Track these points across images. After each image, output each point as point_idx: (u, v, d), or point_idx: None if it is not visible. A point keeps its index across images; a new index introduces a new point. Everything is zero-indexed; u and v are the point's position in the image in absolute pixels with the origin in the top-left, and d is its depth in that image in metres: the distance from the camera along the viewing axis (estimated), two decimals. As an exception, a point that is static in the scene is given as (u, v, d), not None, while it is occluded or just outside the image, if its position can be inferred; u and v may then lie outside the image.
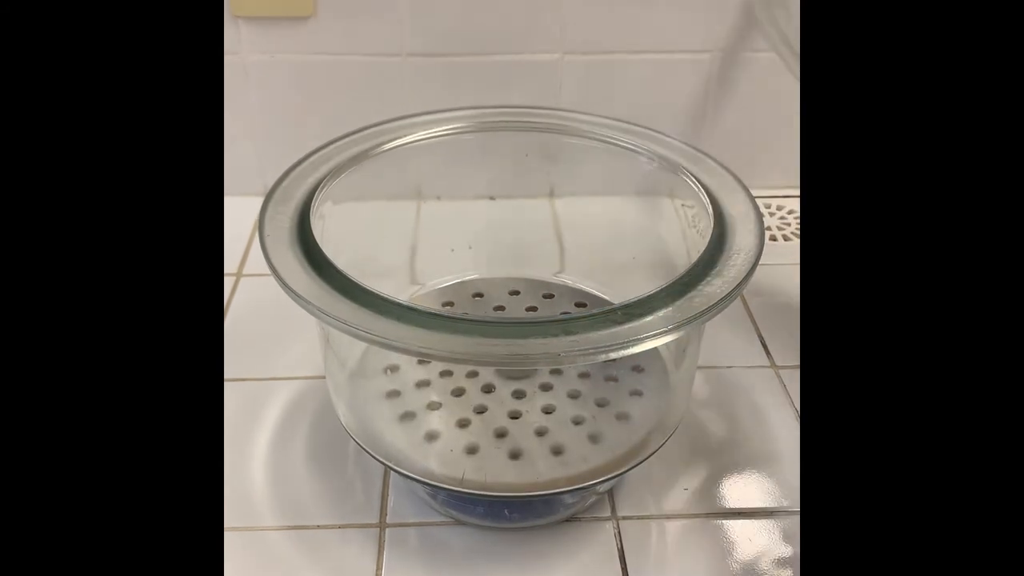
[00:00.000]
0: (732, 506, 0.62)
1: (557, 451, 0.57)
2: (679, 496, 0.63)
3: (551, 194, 0.81)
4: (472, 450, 0.57)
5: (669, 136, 0.65)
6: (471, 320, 0.46)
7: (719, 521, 0.61)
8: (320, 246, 0.52)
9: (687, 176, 0.60)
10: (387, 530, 0.59)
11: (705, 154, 0.63)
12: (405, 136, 0.64)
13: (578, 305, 0.70)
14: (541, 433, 0.58)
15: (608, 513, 0.61)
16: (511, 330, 0.46)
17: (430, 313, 0.47)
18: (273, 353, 0.74)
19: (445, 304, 0.70)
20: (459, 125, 0.66)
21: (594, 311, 0.47)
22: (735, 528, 0.60)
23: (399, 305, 0.47)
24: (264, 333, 0.76)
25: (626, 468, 0.56)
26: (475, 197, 0.76)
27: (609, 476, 0.55)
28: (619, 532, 0.59)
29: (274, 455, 0.65)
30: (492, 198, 0.79)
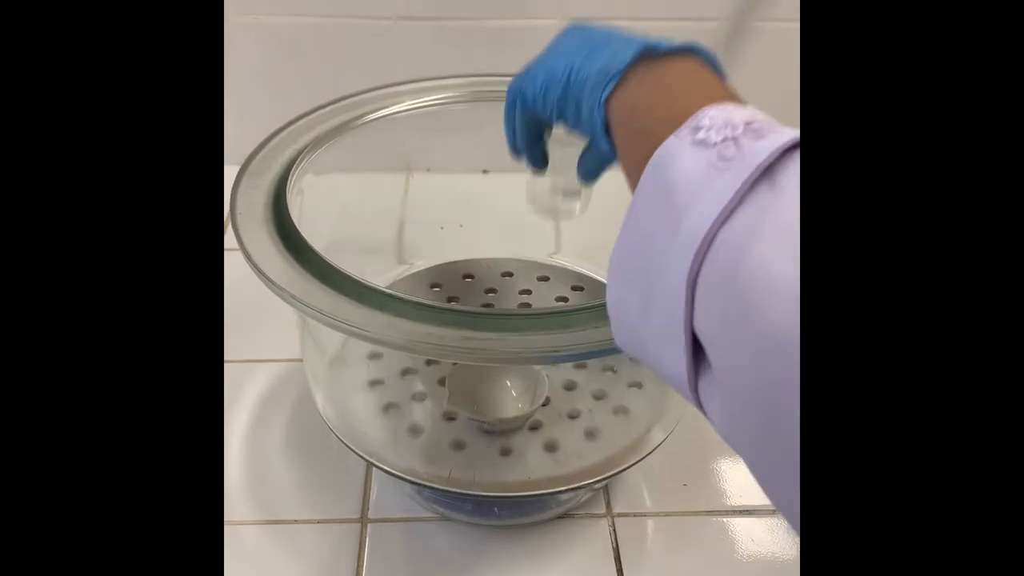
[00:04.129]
0: (734, 503, 0.58)
1: (551, 447, 0.53)
2: (678, 492, 0.59)
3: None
4: (459, 445, 0.53)
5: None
6: (460, 311, 0.43)
7: (720, 519, 0.58)
8: (297, 226, 0.48)
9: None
10: (369, 526, 0.56)
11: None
12: (392, 106, 0.60)
13: (575, 289, 0.66)
14: (534, 428, 0.55)
15: (603, 510, 0.58)
16: (504, 323, 0.42)
17: (415, 303, 0.43)
18: (251, 334, 0.70)
19: (433, 286, 0.66)
20: (450, 95, 0.62)
21: (595, 303, 0.43)
22: (737, 526, 0.57)
23: (381, 293, 0.43)
24: (242, 312, 0.72)
25: (624, 467, 0.52)
26: (467, 171, 0.72)
27: (605, 475, 0.52)
28: (614, 530, 0.56)
29: (250, 444, 0.61)
30: (485, 171, 0.75)
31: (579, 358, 0.42)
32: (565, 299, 0.65)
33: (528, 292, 0.65)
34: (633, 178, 0.35)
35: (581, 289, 0.66)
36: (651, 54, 0.37)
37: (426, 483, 0.51)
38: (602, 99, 0.38)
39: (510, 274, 0.67)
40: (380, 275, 0.67)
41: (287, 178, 0.51)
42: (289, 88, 0.87)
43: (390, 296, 0.43)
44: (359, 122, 0.58)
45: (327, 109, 0.59)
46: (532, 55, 0.86)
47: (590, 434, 0.54)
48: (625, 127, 0.37)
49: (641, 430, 0.54)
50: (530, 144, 0.48)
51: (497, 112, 0.65)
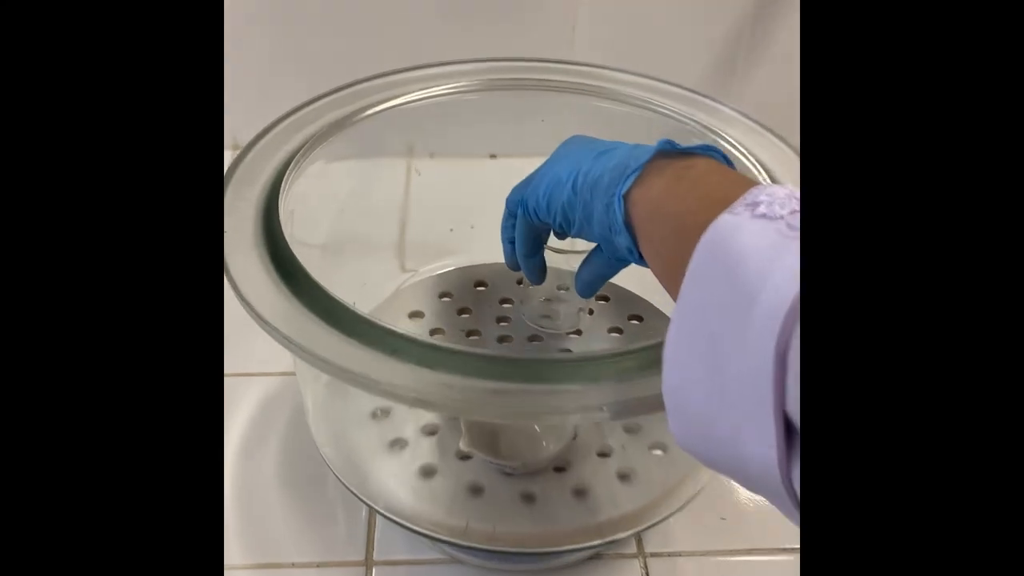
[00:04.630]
0: (778, 540, 0.53)
1: (580, 492, 0.47)
2: (716, 527, 0.54)
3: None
4: (476, 490, 0.47)
5: (722, 103, 0.55)
6: (486, 357, 0.36)
7: (763, 558, 0.52)
8: (290, 235, 0.41)
9: (746, 157, 0.49)
10: (374, 569, 0.50)
11: (764, 126, 0.52)
12: (398, 97, 0.53)
13: (599, 299, 0.59)
14: (560, 468, 0.48)
15: (634, 549, 0.52)
16: (539, 370, 0.36)
17: (432, 346, 0.36)
18: (240, 343, 0.63)
19: (442, 295, 0.59)
20: (463, 83, 0.55)
21: (647, 344, 0.37)
22: (781, 567, 0.51)
23: (392, 334, 0.37)
24: (229, 319, 0.65)
25: (664, 516, 0.46)
26: (477, 165, 0.65)
27: (643, 526, 0.46)
28: (647, 572, 0.50)
29: (241, 473, 0.55)
30: (493, 156, 0.68)
31: (631, 414, 0.35)
32: (590, 312, 0.58)
33: (549, 304, 0.58)
34: (666, 264, 0.35)
35: (607, 299, 0.59)
36: (668, 152, 0.38)
37: (440, 536, 0.45)
38: (622, 192, 0.37)
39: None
40: (383, 283, 0.60)
41: (279, 187, 0.44)
42: (283, 66, 0.79)
43: (403, 338, 0.37)
44: (360, 116, 0.51)
45: (324, 101, 0.52)
46: (546, 28, 0.79)
47: (624, 476, 0.48)
48: (652, 216, 0.37)
49: (682, 470, 0.48)
50: (528, 255, 0.48)
51: (515, 103, 0.58)
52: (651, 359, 0.36)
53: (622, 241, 0.39)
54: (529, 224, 0.46)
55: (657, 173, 0.37)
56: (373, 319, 0.37)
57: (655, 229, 0.37)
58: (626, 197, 0.38)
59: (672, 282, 0.36)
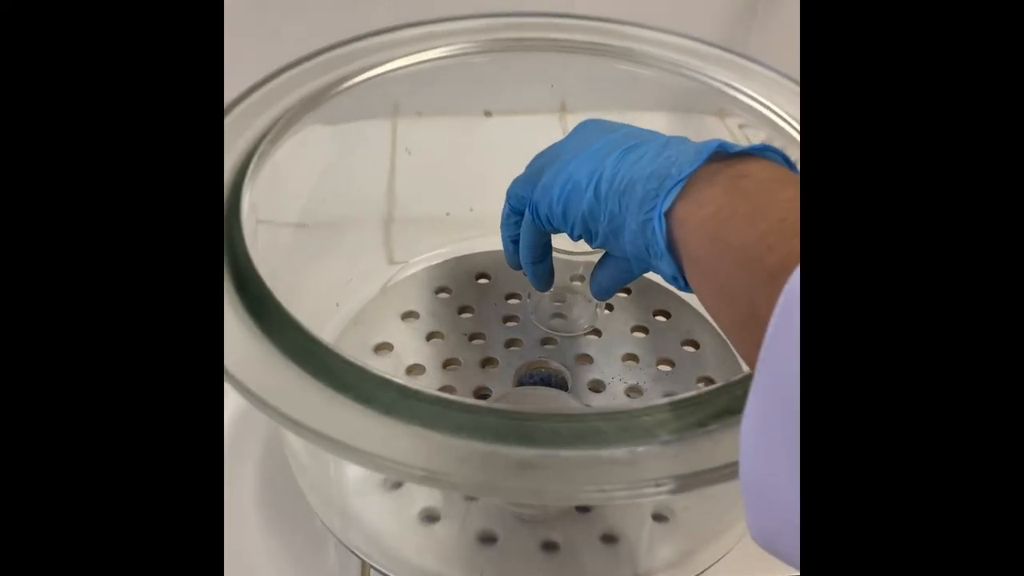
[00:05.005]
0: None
1: (609, 538, 0.40)
2: (759, 553, 0.47)
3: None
4: (488, 538, 0.40)
5: (756, 62, 0.47)
6: (508, 414, 0.29)
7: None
8: (259, 273, 0.33)
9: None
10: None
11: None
12: (386, 62, 0.45)
13: (620, 292, 0.52)
14: (584, 508, 0.41)
15: (665, 581, 0.45)
16: (571, 430, 0.28)
17: (440, 400, 0.29)
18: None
19: (439, 291, 0.51)
20: (458, 45, 0.47)
21: (710, 388, 0.29)
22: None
23: (390, 385, 0.29)
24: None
25: (712, 562, 0.40)
26: (472, 125, 0.57)
27: (688, 578, 0.39)
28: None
29: (211, 504, 0.48)
30: (488, 113, 0.60)
31: (699, 487, 0.28)
32: (609, 308, 0.51)
33: (562, 299, 0.51)
34: (728, 304, 0.30)
35: (627, 292, 0.52)
36: (718, 156, 0.32)
37: (448, 598, 0.38)
38: (663, 210, 0.32)
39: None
40: (371, 277, 0.53)
41: (240, 191, 0.36)
42: (258, 24, 0.70)
43: (402, 391, 0.29)
44: (333, 91, 0.44)
45: (299, 68, 0.44)
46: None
47: (660, 516, 0.41)
48: (706, 242, 0.30)
49: (727, 506, 0.41)
50: (534, 261, 0.43)
51: (520, 65, 0.50)
52: (717, 408, 0.29)
53: (664, 268, 0.33)
54: (538, 230, 0.41)
55: (706, 183, 0.31)
56: (364, 366, 0.30)
57: (713, 259, 0.30)
58: (668, 214, 0.32)
59: (738, 329, 0.29)
